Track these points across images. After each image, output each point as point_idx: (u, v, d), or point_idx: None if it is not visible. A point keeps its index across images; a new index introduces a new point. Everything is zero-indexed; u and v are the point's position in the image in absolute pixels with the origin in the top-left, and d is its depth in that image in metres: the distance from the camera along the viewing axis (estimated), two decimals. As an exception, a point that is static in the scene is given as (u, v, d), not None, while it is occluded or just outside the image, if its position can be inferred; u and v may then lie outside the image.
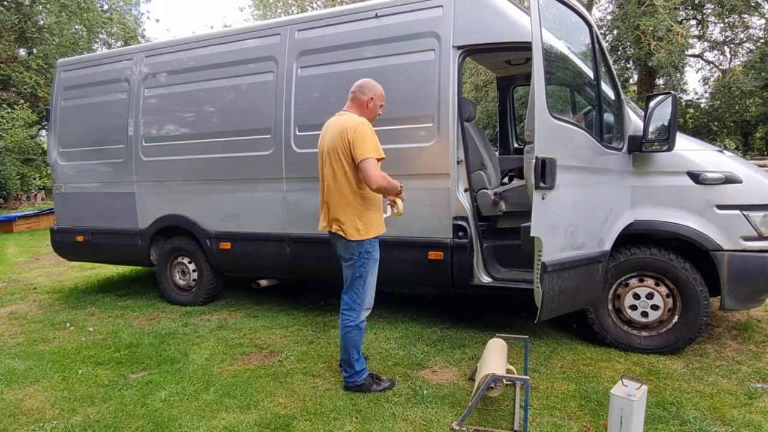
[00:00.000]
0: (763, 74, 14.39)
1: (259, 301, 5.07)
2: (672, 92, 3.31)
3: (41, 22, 19.36)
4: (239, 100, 4.57)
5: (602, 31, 16.96)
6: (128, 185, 5.15)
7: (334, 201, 2.96)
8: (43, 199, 21.65)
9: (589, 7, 16.33)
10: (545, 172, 2.77)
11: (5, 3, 17.74)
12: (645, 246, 3.42)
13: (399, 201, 3.07)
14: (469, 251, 3.72)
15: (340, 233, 2.95)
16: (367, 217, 2.94)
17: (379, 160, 2.86)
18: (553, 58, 3.13)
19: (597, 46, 3.30)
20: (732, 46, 16.55)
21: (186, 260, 5.08)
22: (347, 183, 2.89)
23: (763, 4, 14.50)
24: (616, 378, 2.80)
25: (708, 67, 19.17)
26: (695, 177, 3.27)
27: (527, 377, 2.78)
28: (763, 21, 15.40)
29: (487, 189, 4.02)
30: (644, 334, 3.47)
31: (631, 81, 18.80)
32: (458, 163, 3.73)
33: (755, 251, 3.20)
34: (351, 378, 3.03)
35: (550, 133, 2.84)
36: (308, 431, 2.62)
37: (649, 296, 3.42)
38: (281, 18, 5.82)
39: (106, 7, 23.52)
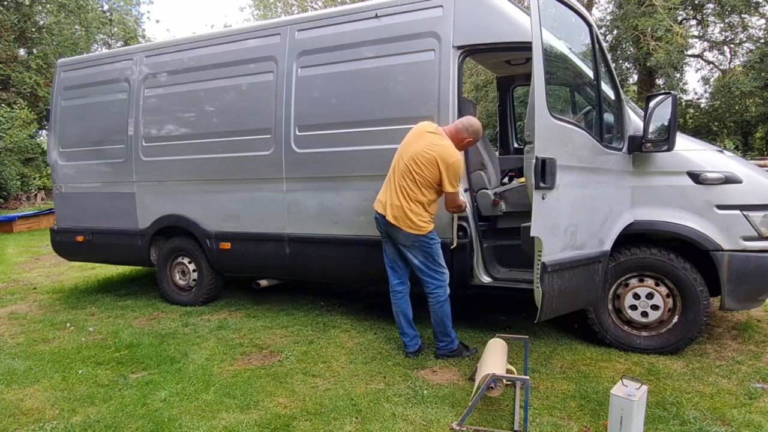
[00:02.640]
0: (763, 74, 14.38)
1: (259, 301, 5.07)
2: (672, 92, 3.31)
3: (41, 22, 19.37)
4: (239, 100, 4.57)
5: (602, 31, 16.95)
6: (128, 185, 5.14)
7: (398, 197, 3.33)
8: (43, 199, 21.64)
9: (589, 7, 16.33)
10: (545, 172, 2.77)
11: (5, 3, 17.74)
12: (645, 246, 3.42)
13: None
14: (469, 251, 3.72)
15: (400, 226, 3.33)
16: (427, 215, 3.36)
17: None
18: (553, 58, 3.13)
19: (597, 46, 3.29)
20: (732, 46, 16.54)
21: (186, 260, 5.08)
22: (419, 193, 3.29)
23: (763, 3, 14.50)
24: (616, 378, 2.80)
25: (708, 67, 19.17)
26: (695, 177, 3.27)
27: (527, 377, 2.78)
28: (763, 21, 15.41)
29: (487, 189, 4.02)
30: (644, 334, 3.47)
31: (630, 81, 18.80)
32: (458, 163, 3.73)
33: (755, 251, 3.20)
34: (447, 346, 3.46)
35: (550, 133, 2.84)
36: (308, 431, 2.62)
37: (649, 296, 3.42)
38: (281, 18, 5.82)
39: (106, 7, 23.53)
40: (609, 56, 3.69)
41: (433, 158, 3.22)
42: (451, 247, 3.69)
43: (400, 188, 3.32)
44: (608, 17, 17.77)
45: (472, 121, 3.38)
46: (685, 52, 15.88)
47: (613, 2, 17.44)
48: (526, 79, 5.18)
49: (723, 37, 16.36)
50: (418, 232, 3.31)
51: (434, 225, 3.41)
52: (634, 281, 3.47)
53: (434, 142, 3.28)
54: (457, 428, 2.54)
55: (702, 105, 20.50)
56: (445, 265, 3.44)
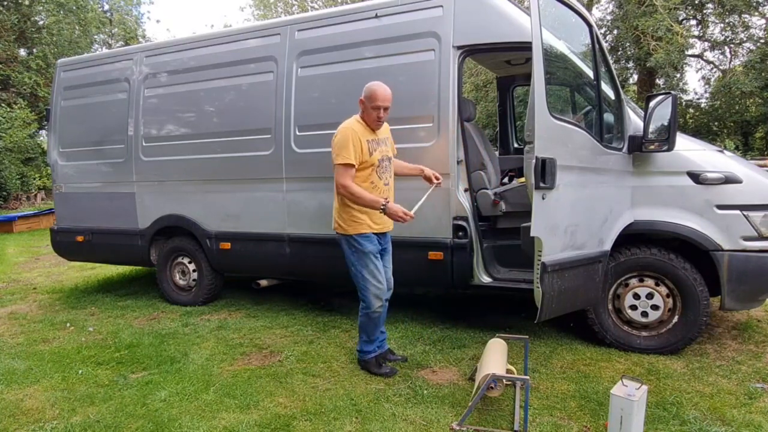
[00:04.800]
0: (763, 74, 14.38)
1: (259, 301, 5.07)
2: (672, 92, 3.31)
3: (41, 22, 19.37)
4: (239, 100, 4.57)
5: (602, 31, 16.97)
6: (128, 185, 5.15)
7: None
8: (43, 199, 21.64)
9: (589, 7, 16.33)
10: (545, 172, 2.77)
11: (5, 3, 17.74)
12: (645, 246, 3.42)
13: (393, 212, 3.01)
14: (469, 251, 3.72)
15: (334, 227, 3.23)
16: (347, 213, 3.11)
17: (346, 166, 2.98)
18: (553, 58, 3.12)
19: (597, 46, 3.29)
20: (732, 46, 16.54)
21: (186, 260, 5.08)
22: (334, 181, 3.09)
23: (763, 3, 14.50)
24: (616, 378, 2.80)
25: (708, 67, 19.19)
26: (695, 177, 3.27)
27: (527, 377, 2.78)
28: (763, 21, 15.41)
29: (487, 189, 4.02)
30: (644, 334, 3.47)
31: (631, 81, 18.81)
32: (458, 163, 3.73)
33: (755, 251, 3.20)
34: (360, 354, 3.35)
35: (550, 133, 2.84)
36: (308, 431, 2.62)
37: (649, 296, 3.42)
38: (281, 18, 5.82)
39: (106, 7, 23.53)
40: (609, 56, 3.69)
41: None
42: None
43: None
44: (608, 17, 17.79)
45: (366, 85, 3.06)
46: (686, 52, 15.87)
47: (613, 2, 17.46)
48: (526, 79, 5.18)
49: (723, 37, 16.35)
50: (342, 232, 3.15)
51: (368, 229, 3.11)
52: (634, 281, 3.47)
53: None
54: (457, 428, 2.54)
55: (702, 105, 20.50)
56: (374, 279, 3.11)
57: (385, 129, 3.26)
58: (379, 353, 3.35)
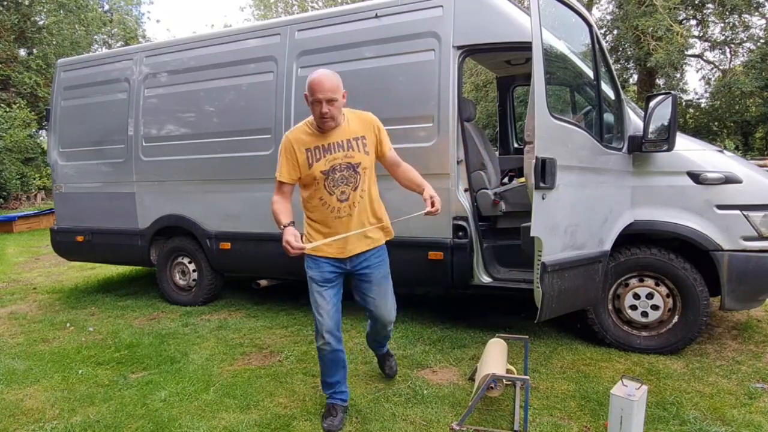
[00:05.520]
0: (763, 74, 14.38)
1: (259, 301, 5.07)
2: (672, 92, 3.31)
3: (41, 22, 19.37)
4: (239, 100, 4.57)
5: (602, 31, 16.97)
6: (128, 185, 5.14)
7: None
8: (43, 199, 21.64)
9: (589, 7, 16.33)
10: (545, 172, 2.77)
11: (5, 3, 17.75)
12: (645, 246, 3.42)
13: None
14: (469, 251, 3.72)
15: None
16: (304, 227, 2.62)
17: (280, 183, 2.52)
18: (553, 58, 3.13)
19: (597, 46, 3.30)
20: (732, 46, 16.55)
21: (186, 260, 5.08)
22: None
23: (763, 3, 14.50)
24: (616, 378, 2.80)
25: (708, 67, 19.19)
26: (695, 177, 3.27)
27: (527, 377, 2.78)
28: (763, 21, 15.41)
29: (487, 189, 4.02)
30: (644, 334, 3.46)
31: (631, 81, 18.82)
32: (458, 163, 3.73)
33: (755, 251, 3.19)
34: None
35: (550, 133, 2.84)
36: (308, 431, 2.62)
37: (649, 296, 3.42)
38: (281, 18, 5.82)
39: (107, 7, 23.53)
40: (609, 56, 3.69)
41: None
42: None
43: None
44: (608, 17, 17.80)
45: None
46: (686, 52, 15.88)
47: (613, 2, 17.47)
48: (526, 79, 5.18)
49: (723, 37, 16.36)
50: None
51: (320, 251, 2.54)
52: (634, 281, 3.47)
53: None
54: (457, 428, 2.54)
55: (702, 105, 20.52)
56: (316, 310, 2.57)
57: (353, 128, 2.52)
58: (334, 403, 2.70)
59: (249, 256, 4.67)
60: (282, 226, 2.39)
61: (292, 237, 2.31)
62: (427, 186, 2.64)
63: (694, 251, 3.31)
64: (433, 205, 2.51)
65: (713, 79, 19.01)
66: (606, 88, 3.45)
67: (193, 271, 5.06)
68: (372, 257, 2.66)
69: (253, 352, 3.74)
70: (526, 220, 2.88)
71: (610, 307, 3.53)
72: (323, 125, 2.43)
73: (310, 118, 2.49)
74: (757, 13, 14.96)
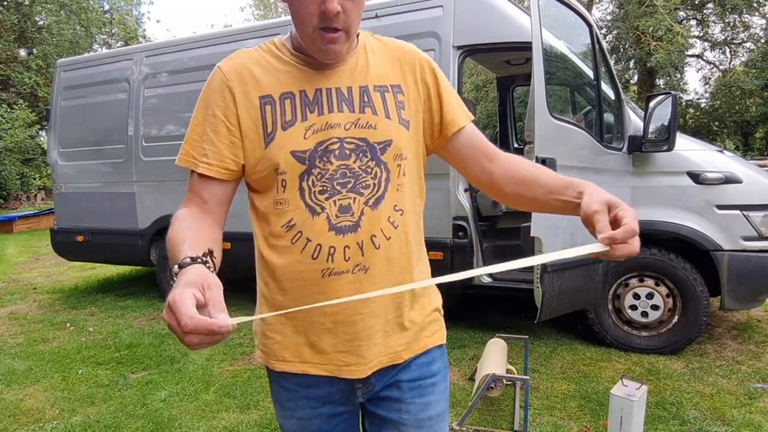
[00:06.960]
0: (763, 74, 14.40)
1: (259, 301, 5.07)
2: (672, 92, 3.31)
3: (41, 22, 19.38)
4: (239, 100, 4.56)
5: (602, 31, 16.96)
6: (128, 185, 5.14)
7: None
8: (43, 199, 21.63)
9: (589, 7, 16.33)
10: (545, 172, 2.77)
11: (5, 3, 17.75)
12: (645, 246, 3.42)
13: None
14: (469, 251, 3.71)
15: None
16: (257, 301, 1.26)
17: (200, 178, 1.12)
18: (553, 58, 3.13)
19: (597, 46, 3.30)
20: (732, 45, 16.56)
21: (186, 260, 5.06)
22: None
23: (764, 3, 14.51)
24: (616, 378, 2.80)
25: (708, 67, 19.20)
26: (695, 177, 3.27)
27: (527, 377, 2.78)
28: (763, 21, 15.42)
29: (487, 189, 4.01)
30: (644, 334, 3.47)
31: (631, 81, 18.82)
32: (458, 163, 3.72)
33: (755, 251, 3.19)
34: None
35: (550, 133, 2.84)
36: (308, 431, 2.62)
37: (649, 296, 3.42)
38: (281, 18, 5.81)
39: (107, 7, 23.53)
40: (609, 56, 3.69)
41: None
42: None
43: None
44: (608, 17, 17.80)
45: None
46: (686, 52, 15.88)
47: (613, 2, 17.46)
48: (526, 79, 5.18)
49: (723, 37, 16.37)
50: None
51: (295, 360, 1.16)
52: (634, 281, 3.47)
53: None
54: (457, 428, 2.54)
55: (702, 105, 20.51)
56: None
57: (377, 67, 1.13)
58: None
59: (249, 256, 4.64)
60: (176, 266, 0.86)
61: (187, 297, 0.77)
62: (589, 189, 0.97)
63: (694, 251, 3.31)
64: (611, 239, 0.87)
65: (713, 78, 19.03)
66: (606, 88, 3.45)
67: (193, 271, 5.05)
68: (421, 369, 1.16)
69: (253, 352, 3.74)
70: (526, 220, 2.88)
71: (610, 307, 3.53)
72: (323, 46, 0.98)
73: (280, 37, 1.13)
74: (757, 13, 14.96)
